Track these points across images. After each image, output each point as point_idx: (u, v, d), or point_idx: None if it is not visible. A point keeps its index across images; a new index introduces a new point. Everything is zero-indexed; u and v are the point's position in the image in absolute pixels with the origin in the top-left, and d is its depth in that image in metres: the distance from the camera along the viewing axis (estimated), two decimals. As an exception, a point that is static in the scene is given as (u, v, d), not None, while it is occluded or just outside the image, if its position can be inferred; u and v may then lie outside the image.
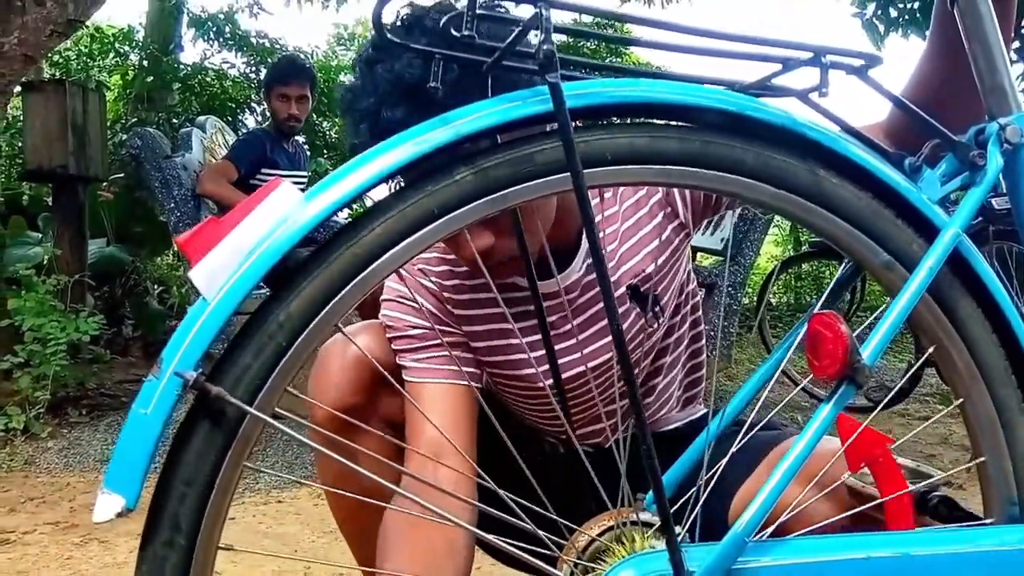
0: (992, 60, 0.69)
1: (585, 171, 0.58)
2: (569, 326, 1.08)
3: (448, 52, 0.65)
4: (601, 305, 1.08)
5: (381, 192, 0.61)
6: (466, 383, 1.08)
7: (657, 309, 1.09)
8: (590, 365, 1.09)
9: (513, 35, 0.59)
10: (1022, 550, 0.67)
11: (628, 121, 0.63)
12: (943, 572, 0.66)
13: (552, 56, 0.54)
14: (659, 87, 0.62)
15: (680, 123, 0.63)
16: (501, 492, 0.65)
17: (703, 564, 0.61)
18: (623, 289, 1.08)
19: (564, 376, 1.07)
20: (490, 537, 0.64)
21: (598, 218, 1.07)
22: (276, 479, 2.80)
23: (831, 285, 0.73)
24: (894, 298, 0.65)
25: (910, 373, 2.49)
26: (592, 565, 0.70)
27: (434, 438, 1.02)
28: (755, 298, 5.90)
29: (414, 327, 1.09)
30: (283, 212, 0.57)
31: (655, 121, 0.63)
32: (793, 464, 0.63)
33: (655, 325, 1.09)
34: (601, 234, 1.06)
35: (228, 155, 3.72)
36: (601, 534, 0.73)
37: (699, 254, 3.97)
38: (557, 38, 0.56)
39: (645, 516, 0.73)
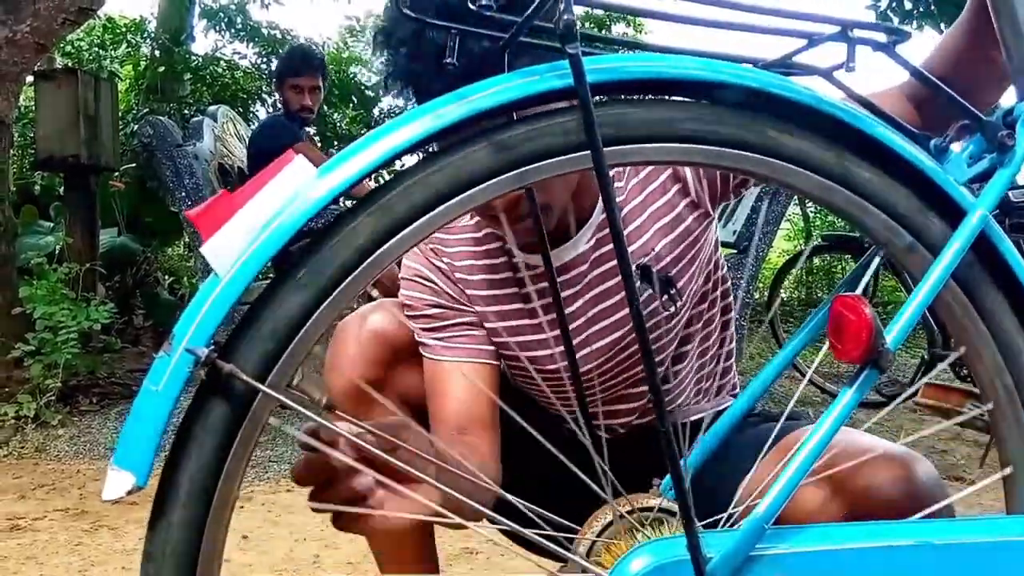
0: (1021, 39, 0.68)
1: (605, 149, 0.57)
2: (579, 302, 1.07)
3: (464, 27, 0.64)
4: (612, 282, 1.07)
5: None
6: (486, 361, 1.07)
7: (673, 292, 1.07)
8: (602, 343, 1.08)
9: (533, 7, 0.58)
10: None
11: (649, 97, 0.62)
12: (964, 561, 0.64)
13: (572, 26, 0.53)
14: (682, 62, 0.61)
15: (703, 101, 0.62)
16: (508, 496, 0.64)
17: (721, 550, 0.60)
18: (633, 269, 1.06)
19: (576, 356, 1.06)
20: (506, 521, 0.63)
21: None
22: (286, 468, 2.81)
23: (855, 268, 0.72)
24: (919, 282, 0.64)
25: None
26: (607, 547, 0.69)
27: (457, 415, 1.02)
28: (766, 292, 5.87)
29: (433, 306, 1.09)
30: (296, 187, 0.56)
31: (678, 98, 0.62)
32: (814, 450, 0.62)
33: (671, 308, 1.07)
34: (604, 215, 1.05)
35: (282, 145, 3.67)
36: (615, 520, 0.72)
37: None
38: (577, 11, 0.55)
39: (663, 502, 0.72)
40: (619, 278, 1.06)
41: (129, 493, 0.53)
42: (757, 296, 5.27)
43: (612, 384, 1.14)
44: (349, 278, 0.57)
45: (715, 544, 0.61)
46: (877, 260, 0.73)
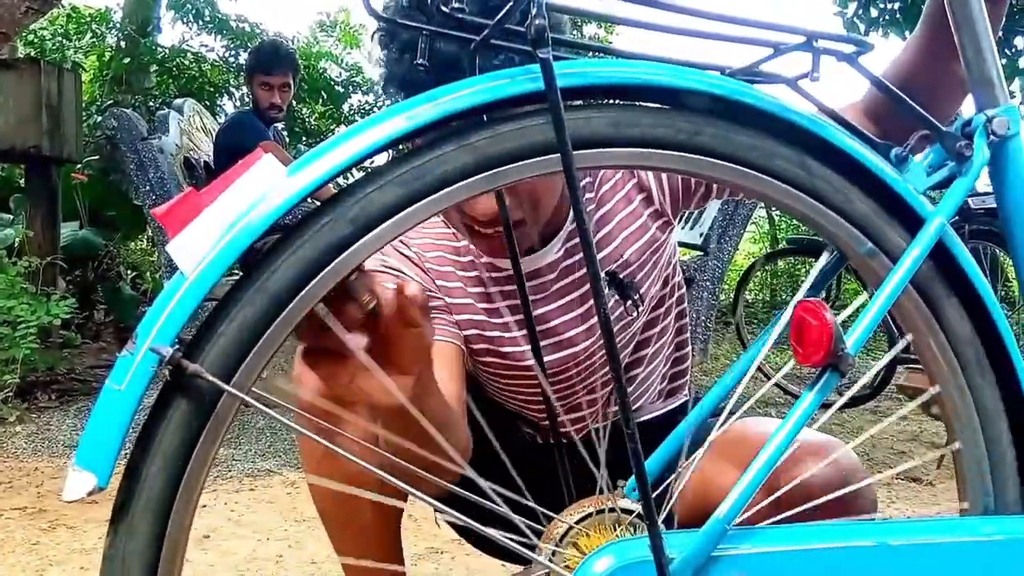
0: (981, 51, 0.69)
1: (575, 152, 0.57)
2: (544, 310, 1.08)
3: (435, 28, 0.64)
4: (578, 292, 1.08)
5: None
6: (457, 343, 1.07)
7: (637, 298, 1.08)
8: (563, 353, 1.09)
9: (504, 11, 0.58)
10: (997, 541, 0.68)
11: (617, 103, 0.63)
12: (921, 561, 0.66)
13: (544, 31, 0.53)
14: (651, 69, 0.61)
15: (670, 106, 0.62)
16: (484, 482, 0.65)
17: (684, 551, 0.61)
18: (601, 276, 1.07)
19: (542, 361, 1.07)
20: (474, 523, 0.63)
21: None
22: (249, 467, 2.78)
23: (814, 273, 0.73)
24: (878, 288, 0.65)
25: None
26: (570, 551, 0.70)
27: None
28: (732, 294, 5.93)
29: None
30: (266, 185, 0.56)
31: (646, 104, 0.62)
32: (776, 451, 0.63)
33: (634, 314, 1.09)
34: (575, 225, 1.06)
35: (249, 142, 3.61)
36: (580, 520, 0.73)
37: (678, 248, 3.98)
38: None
39: (625, 503, 0.73)
40: (586, 287, 1.07)
41: (90, 494, 0.52)
42: (723, 298, 5.32)
43: (572, 391, 1.14)
44: (317, 278, 0.57)
45: (677, 545, 0.62)
46: (824, 261, 0.75)
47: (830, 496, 0.72)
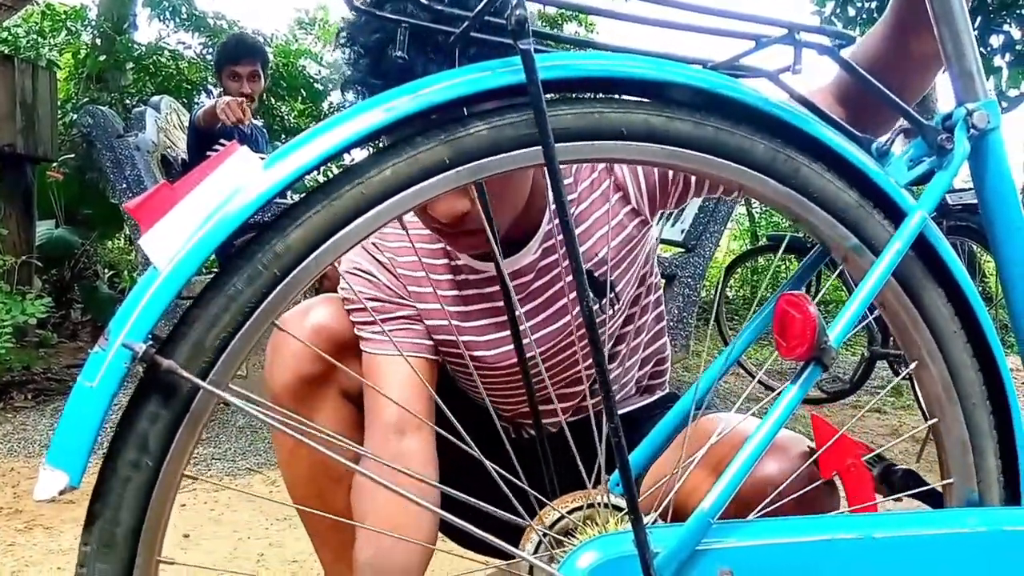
0: (961, 45, 0.69)
1: (557, 145, 0.57)
2: (521, 310, 1.07)
3: (415, 21, 0.63)
4: (555, 289, 1.07)
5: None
6: (425, 356, 1.07)
7: (612, 296, 1.08)
8: (541, 350, 1.08)
9: (484, 1, 0.57)
10: (979, 533, 0.68)
11: (598, 96, 0.62)
12: (904, 553, 0.66)
13: (524, 22, 0.52)
14: (633, 62, 0.61)
15: (652, 100, 0.62)
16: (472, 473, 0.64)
17: (668, 545, 0.61)
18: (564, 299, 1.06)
19: (513, 361, 1.06)
20: (453, 518, 0.62)
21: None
22: (229, 465, 2.76)
23: (799, 267, 0.73)
24: (860, 281, 0.65)
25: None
26: (557, 540, 0.69)
27: (396, 414, 1.01)
28: (712, 291, 5.96)
29: (372, 299, 1.08)
30: (240, 179, 0.54)
31: (627, 97, 0.62)
32: (759, 444, 0.63)
33: (609, 312, 1.08)
34: (557, 219, 1.05)
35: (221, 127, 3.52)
36: (563, 517, 0.72)
37: (660, 245, 3.99)
38: (529, 8, 0.55)
39: (610, 498, 0.72)
40: (558, 286, 1.06)
41: (62, 493, 0.51)
42: (704, 295, 5.34)
43: (543, 388, 1.14)
44: (294, 272, 0.56)
45: (662, 539, 0.61)
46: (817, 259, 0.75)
47: (787, 492, 0.72)
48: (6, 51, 6.06)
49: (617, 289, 1.08)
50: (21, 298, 3.49)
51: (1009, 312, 0.74)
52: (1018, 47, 6.32)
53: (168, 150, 3.88)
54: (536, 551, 0.69)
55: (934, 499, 0.74)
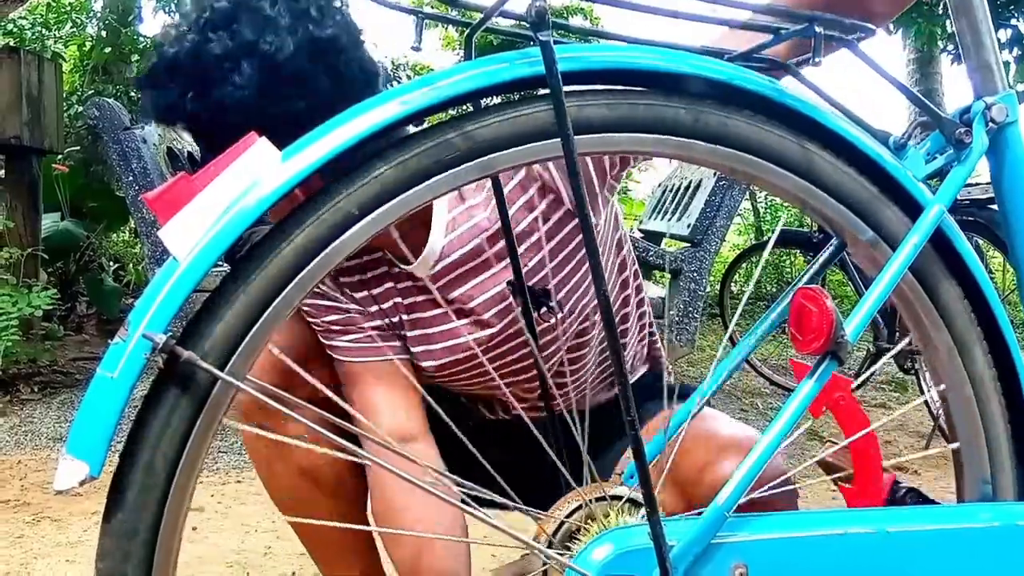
0: (979, 37, 0.69)
1: (576, 137, 0.57)
2: (461, 290, 1.05)
3: (430, 13, 0.63)
4: (493, 271, 1.03)
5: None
6: (406, 356, 1.07)
7: (553, 304, 1.04)
8: (487, 332, 1.06)
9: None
10: (993, 527, 0.68)
11: (618, 88, 0.62)
12: (919, 548, 0.66)
13: (544, 13, 0.52)
14: (651, 54, 0.61)
15: (670, 92, 0.62)
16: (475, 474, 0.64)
17: (683, 538, 0.61)
18: (502, 286, 1.04)
19: (466, 354, 1.07)
20: (478, 512, 0.62)
21: (462, 208, 1.03)
22: (236, 459, 2.76)
23: (815, 262, 0.73)
24: (878, 275, 0.65)
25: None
26: (569, 538, 0.69)
27: (397, 430, 1.01)
28: (718, 286, 5.95)
29: (334, 311, 1.06)
30: (260, 170, 0.54)
31: (648, 89, 0.62)
32: (775, 438, 0.63)
33: (551, 320, 1.04)
34: (465, 226, 1.02)
35: None
36: (574, 512, 0.72)
37: (665, 239, 3.98)
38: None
39: (621, 490, 0.72)
40: (503, 263, 1.03)
41: (82, 483, 0.51)
42: (709, 290, 5.33)
43: (502, 371, 1.12)
44: (312, 263, 0.56)
45: (677, 532, 0.61)
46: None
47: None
48: (11, 43, 6.06)
49: (560, 297, 1.04)
50: (27, 291, 3.49)
51: (1024, 307, 0.74)
52: (1026, 41, 6.29)
53: (174, 142, 3.88)
54: (550, 544, 0.69)
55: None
